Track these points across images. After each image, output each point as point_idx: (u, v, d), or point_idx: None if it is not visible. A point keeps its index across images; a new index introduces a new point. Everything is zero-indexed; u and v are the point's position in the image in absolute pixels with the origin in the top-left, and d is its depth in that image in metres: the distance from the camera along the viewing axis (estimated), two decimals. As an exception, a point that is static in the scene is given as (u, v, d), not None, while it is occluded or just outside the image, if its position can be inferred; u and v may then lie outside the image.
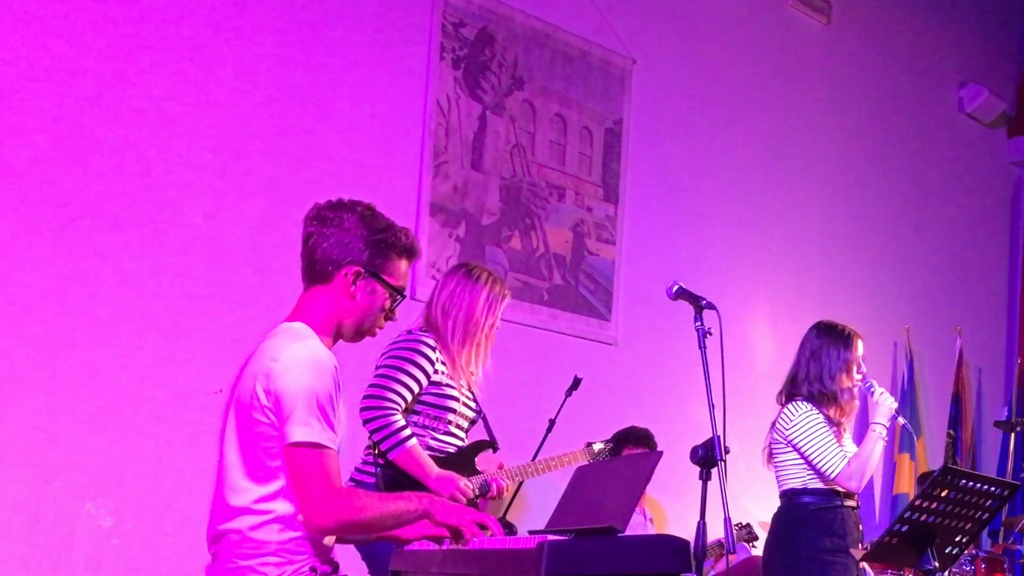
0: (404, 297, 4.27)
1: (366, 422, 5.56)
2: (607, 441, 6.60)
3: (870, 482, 10.67)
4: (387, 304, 4.22)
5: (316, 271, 4.15)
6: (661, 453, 4.52)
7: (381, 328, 4.30)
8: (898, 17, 11.61)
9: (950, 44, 12.19)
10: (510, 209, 8.32)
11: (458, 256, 7.83)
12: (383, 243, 4.16)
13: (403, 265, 4.24)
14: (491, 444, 6.04)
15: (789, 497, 6.49)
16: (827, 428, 6.36)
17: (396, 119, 7.75)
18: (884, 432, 6.46)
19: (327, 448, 3.88)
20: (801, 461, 6.42)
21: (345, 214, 4.14)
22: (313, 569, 3.98)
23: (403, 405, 5.59)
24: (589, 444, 6.51)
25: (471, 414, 5.92)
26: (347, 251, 4.12)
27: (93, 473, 6.39)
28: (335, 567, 4.14)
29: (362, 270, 4.12)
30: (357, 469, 5.80)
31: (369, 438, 5.62)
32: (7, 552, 6.08)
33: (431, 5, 7.92)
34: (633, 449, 7.98)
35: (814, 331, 6.66)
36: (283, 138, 7.21)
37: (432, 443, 5.72)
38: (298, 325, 4.11)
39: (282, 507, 3.94)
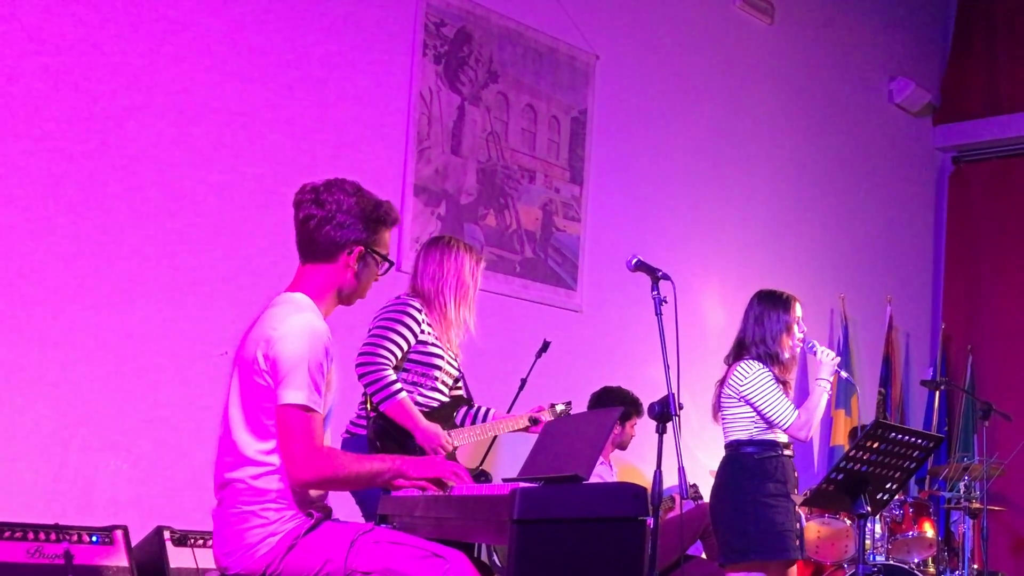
0: (392, 263, 4.31)
1: (361, 376, 5.59)
2: (567, 403, 6.57)
3: (809, 434, 10.76)
4: (380, 271, 4.26)
5: (319, 251, 4.16)
6: (620, 409, 4.53)
7: (369, 289, 4.34)
8: (834, 18, 11.62)
9: (880, 42, 12.21)
10: (486, 190, 8.31)
11: (439, 232, 7.83)
12: (376, 220, 4.19)
13: (388, 235, 4.29)
14: (468, 401, 6.07)
15: (734, 447, 6.47)
16: (777, 384, 6.36)
17: (384, 109, 7.76)
18: (828, 386, 6.45)
19: (313, 411, 3.92)
20: (747, 414, 6.38)
21: (340, 197, 4.15)
22: (310, 514, 4.01)
23: (394, 361, 5.61)
24: (552, 405, 6.48)
25: (455, 372, 5.94)
26: (348, 232, 4.14)
27: (111, 426, 6.40)
28: (328, 512, 4.16)
29: (364, 249, 4.15)
30: (352, 423, 5.82)
31: (363, 391, 5.64)
32: (34, 498, 6.08)
33: (415, 7, 7.92)
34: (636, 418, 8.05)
35: (756, 299, 6.64)
36: (284, 127, 7.21)
37: (419, 399, 5.73)
38: (298, 296, 4.13)
39: (279, 460, 3.97)
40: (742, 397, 6.39)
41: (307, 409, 3.90)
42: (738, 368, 6.45)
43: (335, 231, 4.13)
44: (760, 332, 6.50)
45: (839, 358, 6.60)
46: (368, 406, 5.62)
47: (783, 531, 6.25)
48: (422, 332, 5.72)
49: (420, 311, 5.75)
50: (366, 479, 4.07)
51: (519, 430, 6.20)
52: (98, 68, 6.44)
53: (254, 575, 3.95)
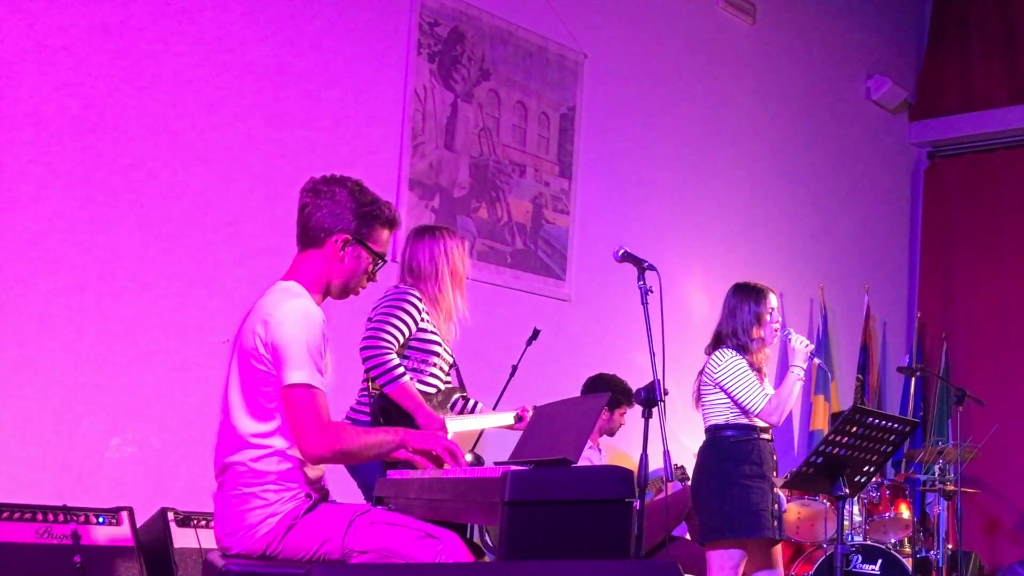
0: (385, 262, 4.31)
1: (365, 360, 5.57)
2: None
3: (790, 419, 10.78)
4: (370, 267, 4.26)
5: (310, 237, 4.19)
6: (608, 395, 4.53)
7: (364, 288, 4.34)
8: (813, 18, 11.62)
9: (858, 41, 12.21)
10: (478, 184, 8.31)
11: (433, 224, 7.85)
12: (369, 215, 4.20)
13: (385, 234, 4.29)
14: (462, 391, 6.09)
15: (713, 432, 6.48)
16: (750, 371, 6.37)
17: (380, 106, 7.75)
18: (801, 373, 6.44)
19: (318, 388, 3.92)
20: (725, 400, 6.39)
21: (337, 188, 4.18)
22: (308, 495, 4.01)
23: (396, 346, 5.60)
24: (535, 407, 6.46)
25: (450, 360, 5.94)
26: (337, 220, 4.16)
27: (118, 411, 6.41)
28: (325, 494, 4.16)
29: (350, 237, 4.16)
30: (352, 409, 5.80)
31: (366, 374, 5.63)
32: (44, 479, 6.09)
33: (409, 7, 7.91)
34: (626, 407, 8.04)
35: (731, 291, 6.64)
36: (284, 123, 7.21)
37: (418, 384, 5.73)
38: (292, 284, 4.14)
39: (279, 442, 3.98)
40: (716, 384, 6.41)
41: (311, 387, 3.91)
42: (713, 357, 6.48)
43: (325, 218, 4.16)
44: (733, 324, 6.52)
45: (812, 346, 6.60)
46: (370, 388, 5.62)
47: (758, 511, 6.26)
48: (422, 320, 5.72)
49: (420, 299, 5.75)
50: (374, 450, 4.07)
51: (505, 426, 6.23)
52: (98, 67, 6.43)
53: (254, 554, 3.96)
